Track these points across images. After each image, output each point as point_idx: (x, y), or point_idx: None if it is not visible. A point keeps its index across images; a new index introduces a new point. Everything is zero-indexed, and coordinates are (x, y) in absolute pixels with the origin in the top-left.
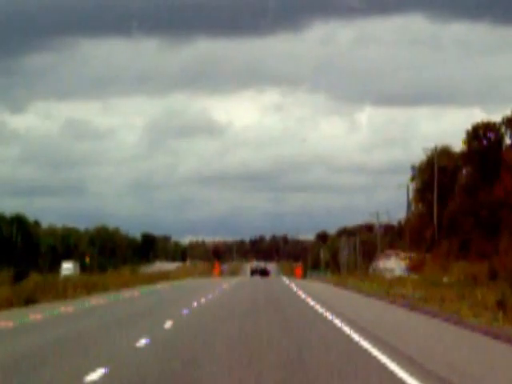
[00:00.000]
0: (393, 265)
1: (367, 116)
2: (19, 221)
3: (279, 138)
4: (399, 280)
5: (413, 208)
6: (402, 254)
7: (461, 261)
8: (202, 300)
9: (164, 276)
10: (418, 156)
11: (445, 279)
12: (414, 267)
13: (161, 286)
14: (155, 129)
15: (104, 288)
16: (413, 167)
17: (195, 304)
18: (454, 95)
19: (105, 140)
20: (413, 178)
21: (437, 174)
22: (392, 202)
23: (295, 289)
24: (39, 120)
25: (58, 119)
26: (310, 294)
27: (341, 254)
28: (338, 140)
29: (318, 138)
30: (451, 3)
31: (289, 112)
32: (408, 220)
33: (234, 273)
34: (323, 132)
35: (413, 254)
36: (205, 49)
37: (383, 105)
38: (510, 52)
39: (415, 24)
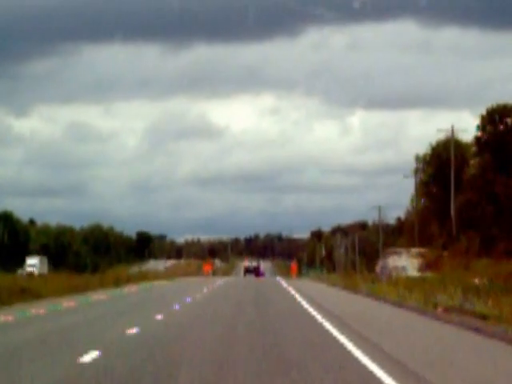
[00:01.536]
0: (404, 263)
1: (360, 119)
2: (6, 219)
3: (275, 141)
4: (422, 281)
5: (415, 203)
6: (413, 251)
7: (483, 258)
8: (134, 329)
9: (141, 276)
10: (410, 156)
11: (476, 280)
12: (429, 265)
13: (126, 291)
14: (155, 132)
15: (35, 295)
16: (417, 158)
17: (101, 345)
18: (445, 99)
19: (106, 143)
20: (416, 171)
21: (445, 165)
22: (383, 202)
23: (299, 298)
24: (43, 123)
25: (61, 123)
26: (320, 307)
27: (337, 251)
28: (332, 142)
29: (312, 141)
30: (442, 9)
31: (284, 115)
32: (415, 214)
33: (226, 272)
34: (317, 134)
35: (426, 251)
36: (204, 54)
37: (375, 108)
38: (500, 57)
39: (407, 30)
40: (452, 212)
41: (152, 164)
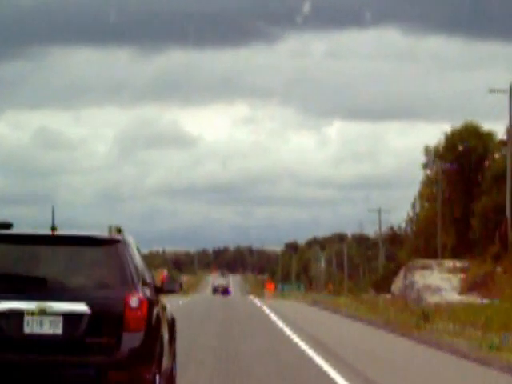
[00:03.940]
0: (438, 281)
1: (337, 130)
2: None
3: (249, 151)
4: (505, 313)
5: (417, 207)
6: (447, 264)
7: None
8: None
9: None
10: (387, 169)
11: None
12: (474, 285)
13: None
14: (126, 139)
15: None
16: (427, 150)
17: None
18: (425, 110)
19: (75, 150)
20: (425, 166)
21: (463, 159)
22: (362, 215)
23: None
24: (10, 129)
25: (29, 129)
26: None
27: (315, 266)
28: (308, 153)
29: (287, 151)
30: (426, 18)
31: (259, 125)
32: (426, 218)
33: (192, 287)
34: (293, 145)
35: (466, 265)
36: (177, 60)
37: (354, 119)
38: (483, 68)
39: (390, 38)
40: (507, 212)
41: (121, 173)
